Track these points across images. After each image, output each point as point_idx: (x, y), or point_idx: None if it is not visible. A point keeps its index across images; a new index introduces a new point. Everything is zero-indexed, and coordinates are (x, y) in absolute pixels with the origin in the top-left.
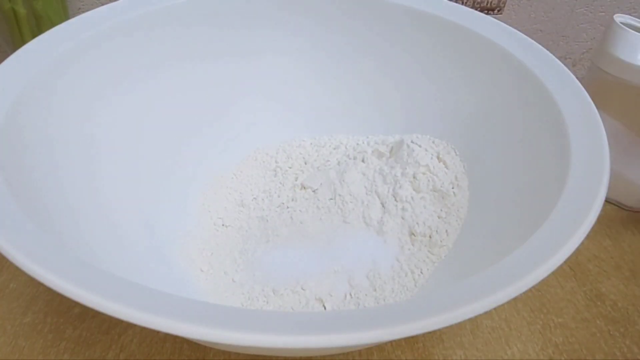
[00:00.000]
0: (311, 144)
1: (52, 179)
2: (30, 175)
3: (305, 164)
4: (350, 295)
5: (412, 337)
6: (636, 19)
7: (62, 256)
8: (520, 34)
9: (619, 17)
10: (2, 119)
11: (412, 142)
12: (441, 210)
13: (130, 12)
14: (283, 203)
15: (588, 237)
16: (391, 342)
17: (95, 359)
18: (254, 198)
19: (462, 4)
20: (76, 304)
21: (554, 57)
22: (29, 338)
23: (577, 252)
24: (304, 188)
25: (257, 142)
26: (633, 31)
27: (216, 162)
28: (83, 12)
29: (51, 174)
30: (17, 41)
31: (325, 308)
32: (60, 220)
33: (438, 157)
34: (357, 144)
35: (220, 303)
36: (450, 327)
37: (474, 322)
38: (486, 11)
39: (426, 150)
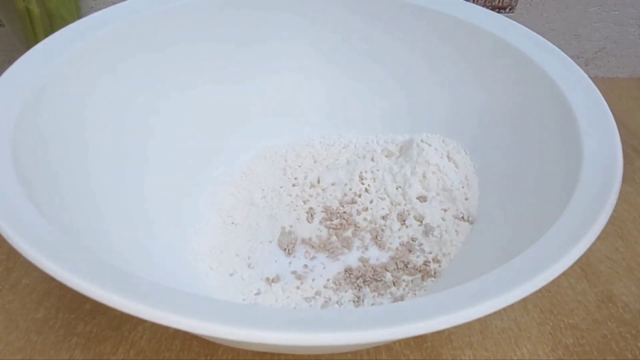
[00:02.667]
0: (320, 142)
1: (64, 176)
2: (44, 172)
3: (315, 162)
4: (359, 294)
5: (421, 336)
6: None
7: (74, 252)
8: (533, 32)
9: None
10: (17, 117)
11: (422, 141)
12: (451, 209)
13: (143, 11)
14: (292, 202)
15: (599, 238)
16: (400, 341)
17: (105, 354)
18: (264, 197)
19: (474, 2)
20: (87, 300)
21: (566, 56)
22: (41, 333)
23: (589, 253)
24: (313, 186)
25: (266, 140)
26: None
27: (226, 160)
28: (96, 11)
29: (64, 171)
30: (31, 40)
31: (334, 306)
32: (72, 216)
33: (448, 157)
34: (367, 142)
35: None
36: (460, 327)
37: (483, 323)
38: (498, 10)
39: (436, 149)
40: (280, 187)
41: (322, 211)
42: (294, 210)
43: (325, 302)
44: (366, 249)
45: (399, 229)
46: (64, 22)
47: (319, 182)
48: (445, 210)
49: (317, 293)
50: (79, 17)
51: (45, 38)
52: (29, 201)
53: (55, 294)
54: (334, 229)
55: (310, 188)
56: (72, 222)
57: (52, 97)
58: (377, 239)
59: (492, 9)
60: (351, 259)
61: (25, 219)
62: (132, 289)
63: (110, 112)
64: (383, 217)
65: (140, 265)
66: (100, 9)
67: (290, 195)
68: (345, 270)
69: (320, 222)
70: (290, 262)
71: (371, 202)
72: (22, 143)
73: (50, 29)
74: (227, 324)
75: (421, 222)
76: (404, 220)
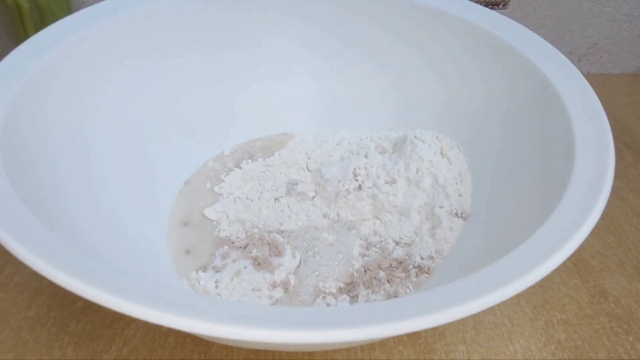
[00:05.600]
0: (314, 139)
1: (54, 173)
2: (32, 169)
3: (309, 159)
4: (351, 291)
5: (415, 333)
6: None
7: (64, 250)
8: (526, 28)
9: None
10: (5, 113)
11: (415, 137)
12: (445, 206)
13: (134, 5)
14: (285, 198)
15: (592, 233)
16: (394, 337)
17: (98, 352)
18: (257, 191)
19: None
20: (80, 298)
21: (559, 52)
22: (32, 331)
23: (581, 248)
24: (300, 183)
25: (259, 136)
26: None
27: (217, 158)
28: (86, 6)
29: (53, 168)
30: (21, 35)
31: (327, 304)
32: (60, 215)
33: (441, 153)
34: (360, 139)
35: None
36: (453, 323)
37: (476, 318)
38: (491, 6)
39: (430, 145)
40: (273, 184)
41: (314, 207)
42: (287, 206)
43: (319, 298)
44: (360, 245)
45: (393, 225)
46: (55, 18)
47: (315, 177)
48: (438, 207)
49: (311, 290)
50: (70, 12)
51: (35, 33)
52: (19, 199)
53: (47, 292)
54: (326, 227)
55: (301, 185)
56: (58, 220)
57: (42, 92)
58: (371, 235)
59: (486, 5)
60: (345, 255)
61: (15, 217)
62: (123, 287)
63: (100, 108)
64: (377, 214)
65: (126, 263)
66: (91, 3)
67: (279, 191)
68: (339, 266)
69: (314, 219)
70: (282, 258)
71: (364, 199)
72: (10, 139)
73: (41, 24)
74: (221, 323)
75: (415, 218)
76: (398, 216)
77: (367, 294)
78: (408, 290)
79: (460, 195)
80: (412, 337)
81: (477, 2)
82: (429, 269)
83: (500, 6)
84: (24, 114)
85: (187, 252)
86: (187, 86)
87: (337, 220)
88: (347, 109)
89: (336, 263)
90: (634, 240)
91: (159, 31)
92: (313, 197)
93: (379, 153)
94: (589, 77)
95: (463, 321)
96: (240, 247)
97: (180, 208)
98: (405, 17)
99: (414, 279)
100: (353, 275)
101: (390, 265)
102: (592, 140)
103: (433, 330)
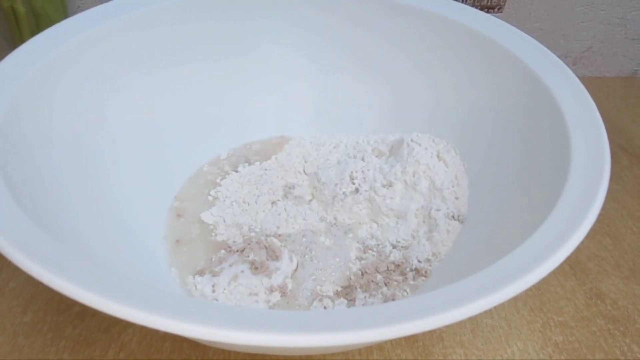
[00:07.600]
0: (311, 142)
1: (49, 176)
2: (28, 173)
3: (306, 162)
4: (348, 294)
5: (412, 336)
6: None
7: (60, 254)
8: (521, 32)
9: None
10: (2, 118)
11: (412, 140)
12: (441, 208)
13: (129, 10)
14: (281, 201)
15: (588, 235)
16: (391, 341)
17: (95, 357)
18: (254, 195)
19: (463, 2)
20: (76, 303)
21: (554, 55)
22: (28, 337)
23: (577, 250)
24: (297, 187)
25: (256, 139)
26: None
27: (214, 162)
28: (82, 10)
29: (49, 172)
30: (17, 39)
31: (324, 307)
32: (58, 219)
33: (438, 156)
34: (357, 142)
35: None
36: (450, 326)
37: (473, 321)
38: (487, 9)
39: (426, 149)
40: (270, 188)
41: (310, 211)
42: (284, 210)
43: (316, 301)
44: (357, 248)
45: (390, 228)
46: (51, 22)
47: (313, 180)
48: (435, 210)
49: (308, 293)
50: (66, 16)
51: (31, 38)
52: (15, 203)
53: (43, 297)
54: (322, 230)
55: (297, 189)
56: (56, 224)
57: (38, 97)
58: (368, 239)
59: (481, 9)
60: (342, 258)
61: (11, 221)
62: (120, 292)
63: (95, 112)
64: (374, 217)
65: (127, 267)
66: (87, 8)
67: (276, 194)
68: (336, 270)
69: (310, 224)
70: (279, 263)
71: (361, 202)
72: (6, 143)
73: (37, 29)
74: (218, 327)
75: (412, 222)
76: (395, 220)
77: (365, 297)
78: (405, 293)
79: (457, 198)
80: (410, 340)
81: (472, 6)
82: (426, 271)
83: (496, 10)
84: (21, 119)
85: (184, 256)
86: (184, 91)
87: (334, 224)
88: (343, 112)
89: (333, 266)
90: (630, 242)
91: (155, 36)
92: (310, 201)
93: (376, 156)
94: (584, 80)
95: (460, 324)
96: (237, 251)
97: (176, 212)
98: (401, 20)
99: (411, 282)
100: (350, 278)
101: (388, 268)
102: (588, 143)
103: (431, 333)
